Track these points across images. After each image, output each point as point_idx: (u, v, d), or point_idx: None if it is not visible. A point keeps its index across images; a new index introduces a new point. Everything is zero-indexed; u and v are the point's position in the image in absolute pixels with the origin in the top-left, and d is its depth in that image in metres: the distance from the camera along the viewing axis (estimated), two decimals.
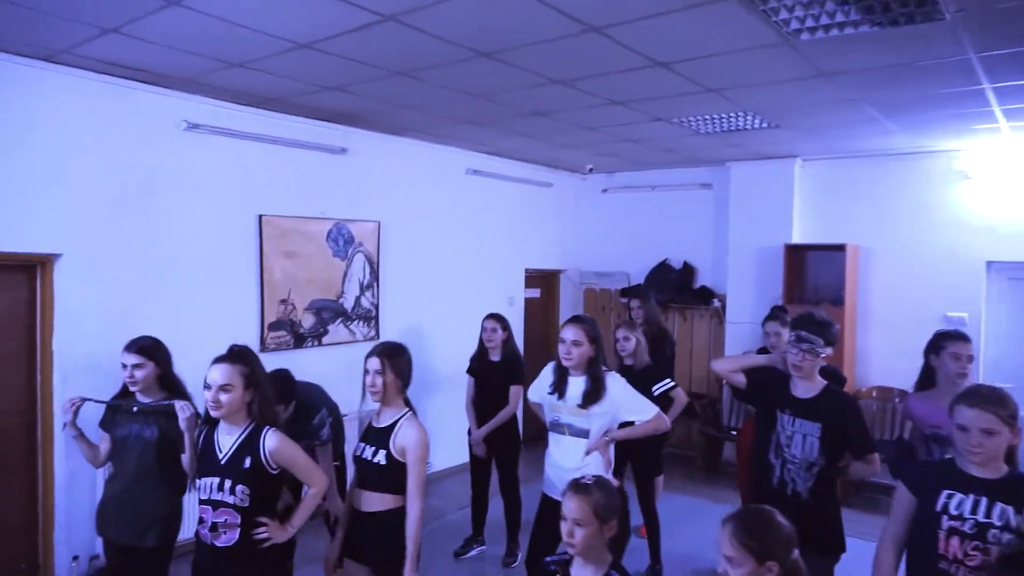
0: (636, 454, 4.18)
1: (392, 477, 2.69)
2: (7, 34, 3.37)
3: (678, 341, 6.58)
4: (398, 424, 2.72)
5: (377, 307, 5.73)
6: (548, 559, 2.23)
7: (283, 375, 3.44)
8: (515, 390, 4.49)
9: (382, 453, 2.69)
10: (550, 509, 3.32)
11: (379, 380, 2.71)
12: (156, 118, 4.30)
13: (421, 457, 2.66)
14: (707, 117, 4.87)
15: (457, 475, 6.05)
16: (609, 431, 3.21)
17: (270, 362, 4.78)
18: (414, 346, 6.13)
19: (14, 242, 3.77)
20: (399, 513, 2.70)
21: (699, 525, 5.11)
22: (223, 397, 2.47)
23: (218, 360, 2.55)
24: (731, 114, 4.76)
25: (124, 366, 2.96)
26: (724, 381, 3.38)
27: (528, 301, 7.37)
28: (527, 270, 7.32)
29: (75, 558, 4.02)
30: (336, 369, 5.08)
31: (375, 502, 2.72)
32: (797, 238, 6.40)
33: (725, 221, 6.87)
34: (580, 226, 7.94)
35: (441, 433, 5.49)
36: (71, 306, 4.00)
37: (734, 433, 6.30)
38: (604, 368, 3.22)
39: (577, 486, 2.08)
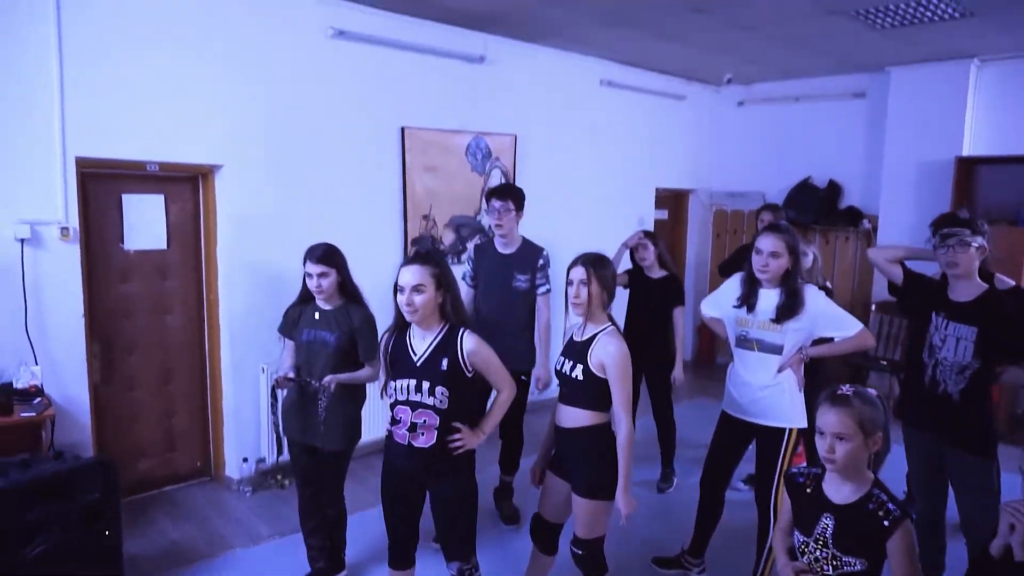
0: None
1: (591, 393, 2.55)
2: None
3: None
4: (597, 338, 2.56)
5: None
6: (795, 470, 2.04)
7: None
8: (679, 312, 4.23)
9: (579, 368, 2.54)
10: (731, 428, 3.15)
11: (584, 291, 2.54)
12: (304, 25, 4.21)
13: (624, 372, 2.49)
14: (892, 7, 4.32)
15: None
16: (803, 347, 2.96)
17: None
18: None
19: (181, 153, 3.82)
20: (599, 431, 2.56)
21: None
22: (417, 299, 2.37)
23: (408, 262, 2.45)
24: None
25: (310, 275, 2.93)
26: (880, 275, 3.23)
27: (654, 223, 7.04)
28: (657, 189, 6.97)
29: (244, 459, 4.20)
30: None
31: (576, 418, 2.58)
32: (970, 150, 5.75)
33: (880, 133, 6.25)
34: (713, 142, 7.44)
35: None
36: (232, 216, 4.05)
37: (884, 363, 5.90)
38: (801, 280, 2.95)
39: (836, 397, 1.85)
